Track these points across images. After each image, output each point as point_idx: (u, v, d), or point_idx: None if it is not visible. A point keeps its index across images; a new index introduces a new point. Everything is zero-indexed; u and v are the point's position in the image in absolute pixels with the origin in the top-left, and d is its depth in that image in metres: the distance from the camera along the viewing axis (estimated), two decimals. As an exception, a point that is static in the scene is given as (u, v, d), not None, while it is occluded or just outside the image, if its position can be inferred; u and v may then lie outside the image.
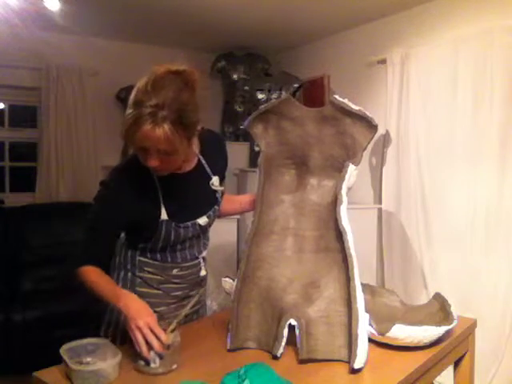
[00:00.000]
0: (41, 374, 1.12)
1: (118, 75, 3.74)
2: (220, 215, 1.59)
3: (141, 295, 1.33)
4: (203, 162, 1.43)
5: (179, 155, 1.21)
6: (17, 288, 3.13)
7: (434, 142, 2.81)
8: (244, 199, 1.60)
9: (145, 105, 1.12)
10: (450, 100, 2.71)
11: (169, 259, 1.42)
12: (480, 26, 2.56)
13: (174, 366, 1.14)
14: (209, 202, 1.45)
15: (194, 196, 1.40)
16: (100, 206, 1.31)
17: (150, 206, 1.30)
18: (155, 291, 1.42)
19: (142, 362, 1.12)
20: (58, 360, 1.10)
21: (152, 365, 1.11)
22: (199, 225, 1.41)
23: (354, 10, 3.07)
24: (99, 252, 1.33)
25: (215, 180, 1.44)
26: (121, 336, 1.39)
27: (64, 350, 1.11)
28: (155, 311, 1.36)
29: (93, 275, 1.29)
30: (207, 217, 1.43)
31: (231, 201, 1.63)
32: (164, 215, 1.31)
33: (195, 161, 1.41)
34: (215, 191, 1.45)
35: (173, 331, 1.16)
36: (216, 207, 1.47)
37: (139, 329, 1.12)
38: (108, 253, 1.41)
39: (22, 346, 2.75)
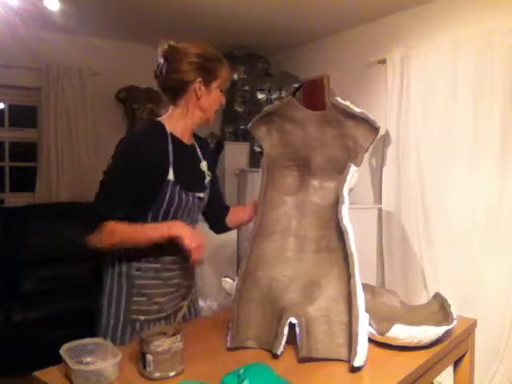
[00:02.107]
0: (41, 374, 1.12)
1: (118, 75, 3.74)
2: (230, 228, 1.69)
3: (141, 287, 1.43)
4: (195, 143, 1.56)
5: None
6: (17, 288, 3.13)
7: (434, 142, 2.81)
8: (247, 207, 1.64)
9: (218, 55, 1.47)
10: (450, 100, 2.71)
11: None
12: (480, 27, 2.57)
13: (172, 374, 1.10)
14: (202, 181, 1.55)
15: (193, 168, 1.52)
16: (122, 162, 1.38)
17: (161, 164, 1.39)
18: (153, 281, 1.45)
19: (140, 365, 1.12)
20: (58, 360, 1.10)
21: (147, 368, 1.10)
22: (199, 197, 1.50)
23: (354, 10, 3.07)
24: (115, 212, 1.35)
25: (204, 165, 1.56)
26: (120, 336, 1.42)
27: (64, 350, 1.11)
28: (155, 302, 1.44)
29: (122, 224, 1.34)
30: (204, 193, 1.53)
31: (236, 211, 1.68)
32: (171, 175, 1.39)
33: (191, 139, 1.55)
34: (204, 175, 1.56)
35: (172, 336, 1.13)
36: (207, 190, 1.56)
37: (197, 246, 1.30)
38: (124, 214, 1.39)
39: (22, 346, 2.75)
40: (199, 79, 1.42)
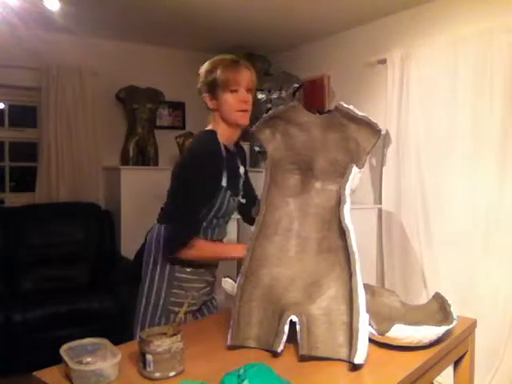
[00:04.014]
0: (41, 374, 1.12)
1: (118, 75, 3.74)
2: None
3: (178, 280, 1.56)
4: (235, 150, 1.66)
5: (252, 97, 1.59)
6: (17, 288, 3.13)
7: (434, 142, 2.81)
8: None
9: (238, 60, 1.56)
10: (450, 100, 2.71)
11: (209, 235, 1.59)
12: (480, 26, 2.57)
13: (172, 374, 1.10)
14: (238, 185, 1.66)
15: (237, 174, 1.64)
16: (197, 180, 1.48)
17: (220, 171, 1.52)
18: (190, 276, 1.57)
19: (140, 365, 1.12)
20: (58, 360, 1.10)
21: (147, 368, 1.10)
22: (239, 201, 1.64)
23: (354, 10, 3.07)
24: (199, 225, 1.52)
25: (242, 169, 1.68)
26: (157, 325, 1.53)
27: (64, 350, 1.10)
28: (188, 295, 1.54)
29: (208, 243, 1.56)
30: (241, 197, 1.67)
31: None
32: (224, 182, 1.52)
33: (235, 144, 1.66)
34: (240, 178, 1.68)
35: (172, 336, 1.13)
36: (242, 193, 1.68)
37: None
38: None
39: (22, 346, 2.75)
40: (204, 95, 1.56)
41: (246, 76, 1.56)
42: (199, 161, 1.49)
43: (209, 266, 1.64)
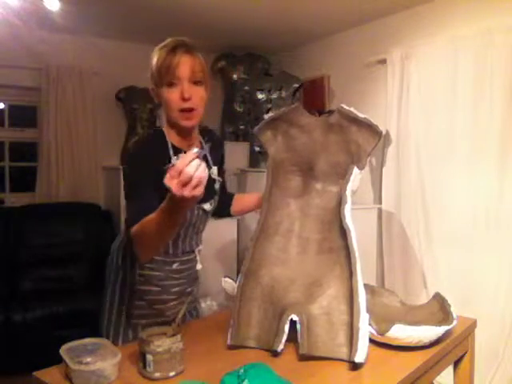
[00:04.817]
0: (41, 374, 1.12)
1: (118, 75, 3.74)
2: (233, 214, 1.70)
3: (141, 293, 1.41)
4: (205, 148, 1.45)
5: (205, 90, 1.32)
6: (17, 288, 3.13)
7: (434, 142, 2.81)
8: (253, 197, 1.65)
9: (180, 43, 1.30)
10: (450, 100, 2.71)
11: (170, 251, 1.42)
12: (480, 26, 2.56)
13: (172, 374, 1.10)
14: (210, 189, 1.44)
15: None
16: (132, 171, 1.29)
17: (162, 174, 1.21)
18: (155, 288, 1.43)
19: (140, 365, 1.12)
20: (58, 360, 1.10)
21: (147, 368, 1.10)
22: (203, 210, 1.43)
23: (354, 10, 3.07)
24: (143, 210, 1.16)
25: (215, 169, 1.48)
26: (122, 340, 1.44)
27: (64, 350, 1.10)
28: (155, 308, 1.44)
29: (140, 224, 1.16)
30: (210, 204, 1.46)
31: (241, 199, 1.68)
32: None
33: (198, 144, 1.44)
34: (214, 181, 1.48)
35: (172, 336, 1.13)
36: (216, 197, 1.50)
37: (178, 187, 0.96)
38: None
39: (22, 346, 2.75)
40: (150, 87, 1.35)
41: (186, 65, 1.27)
42: (132, 162, 1.30)
43: (179, 278, 1.47)
